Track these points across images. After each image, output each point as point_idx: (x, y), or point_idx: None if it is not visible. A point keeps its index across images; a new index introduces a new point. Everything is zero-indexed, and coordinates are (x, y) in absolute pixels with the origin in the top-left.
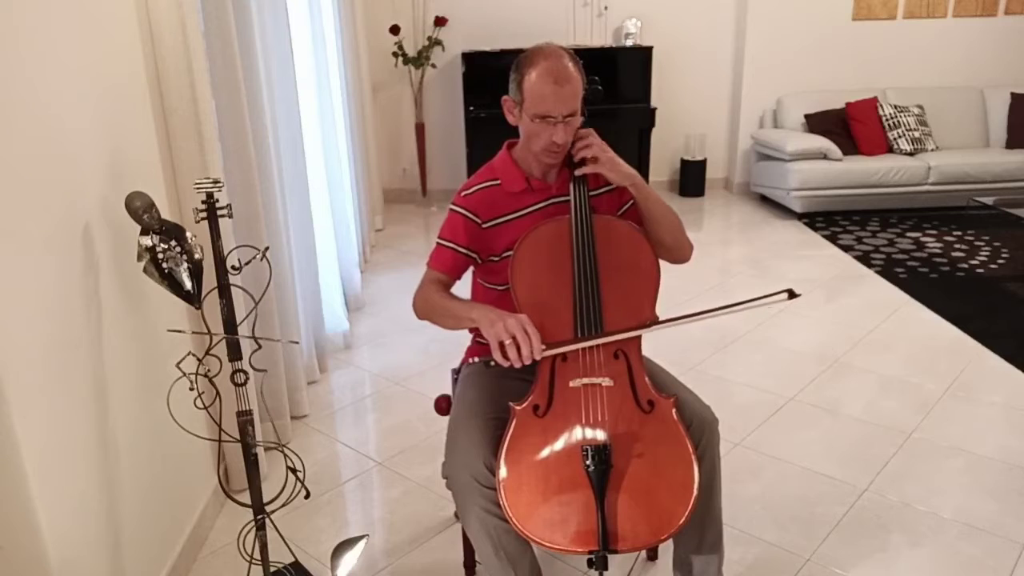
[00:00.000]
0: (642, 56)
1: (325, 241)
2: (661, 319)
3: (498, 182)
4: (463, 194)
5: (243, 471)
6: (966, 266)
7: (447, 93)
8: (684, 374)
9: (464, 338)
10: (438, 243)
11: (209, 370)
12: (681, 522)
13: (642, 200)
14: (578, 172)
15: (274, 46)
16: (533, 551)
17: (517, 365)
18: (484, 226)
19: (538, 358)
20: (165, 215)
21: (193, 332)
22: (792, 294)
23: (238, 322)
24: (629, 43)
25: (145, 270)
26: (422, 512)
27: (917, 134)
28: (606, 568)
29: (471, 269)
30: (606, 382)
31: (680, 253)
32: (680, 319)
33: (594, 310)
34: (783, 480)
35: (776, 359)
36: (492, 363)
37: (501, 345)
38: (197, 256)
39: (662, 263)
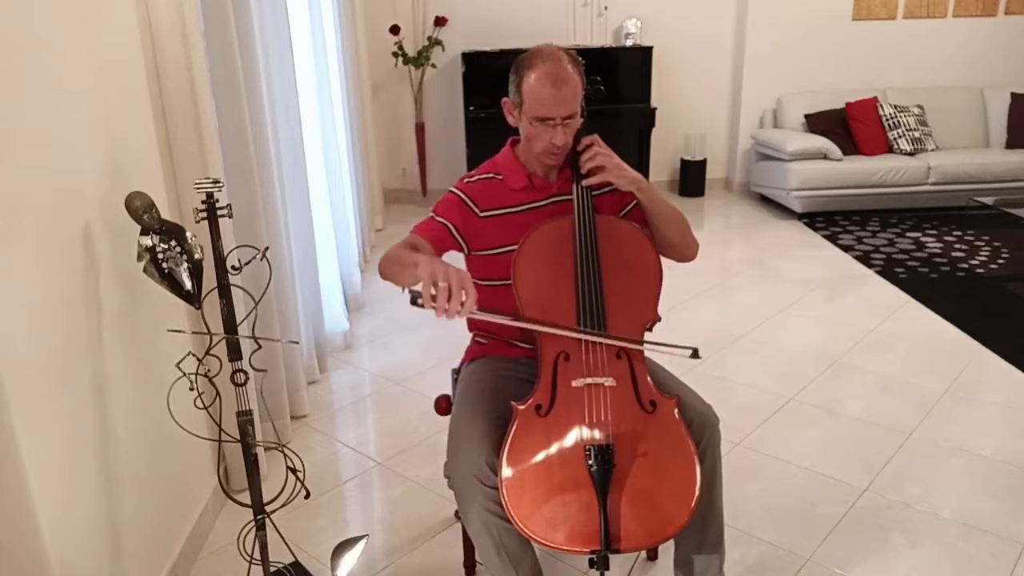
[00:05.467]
0: (642, 56)
1: (325, 241)
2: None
3: (500, 177)
4: (465, 180)
5: (243, 471)
6: (966, 266)
7: (447, 93)
8: (684, 374)
9: (464, 338)
10: (429, 216)
11: (209, 370)
12: (683, 522)
13: (648, 203)
14: (586, 182)
15: (274, 46)
16: (534, 551)
17: (439, 316)
18: (481, 215)
19: (462, 317)
20: (165, 215)
21: (193, 332)
22: (695, 354)
23: (238, 322)
24: (629, 43)
25: (145, 270)
26: (422, 512)
27: (917, 134)
28: (607, 568)
29: (467, 266)
30: (609, 382)
31: (686, 252)
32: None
33: (597, 310)
34: (783, 480)
35: (776, 359)
36: (419, 301)
37: (434, 289)
38: (197, 256)
39: (665, 262)
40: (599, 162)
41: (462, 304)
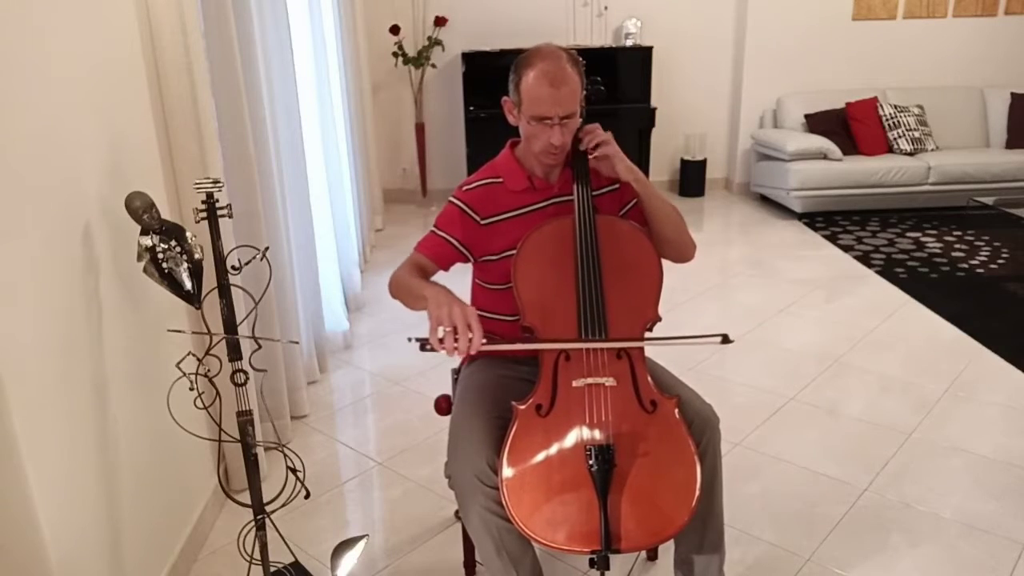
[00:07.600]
0: (642, 56)
1: (325, 241)
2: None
3: (500, 180)
4: (464, 188)
5: (243, 471)
6: (966, 266)
7: (447, 93)
8: (684, 374)
9: None
10: (431, 230)
11: (209, 370)
12: (683, 522)
13: (645, 197)
14: (591, 156)
15: (274, 46)
16: (534, 551)
17: (448, 356)
18: (483, 223)
19: (473, 353)
20: (165, 215)
21: (193, 332)
22: (726, 339)
23: (238, 322)
24: (629, 43)
25: (145, 270)
26: (422, 512)
27: (917, 134)
28: (608, 568)
29: (471, 270)
30: (609, 382)
31: (683, 251)
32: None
33: (598, 309)
34: (783, 480)
35: (776, 359)
36: (428, 347)
37: (440, 332)
38: (197, 256)
39: (665, 262)
40: (602, 137)
41: (470, 341)
